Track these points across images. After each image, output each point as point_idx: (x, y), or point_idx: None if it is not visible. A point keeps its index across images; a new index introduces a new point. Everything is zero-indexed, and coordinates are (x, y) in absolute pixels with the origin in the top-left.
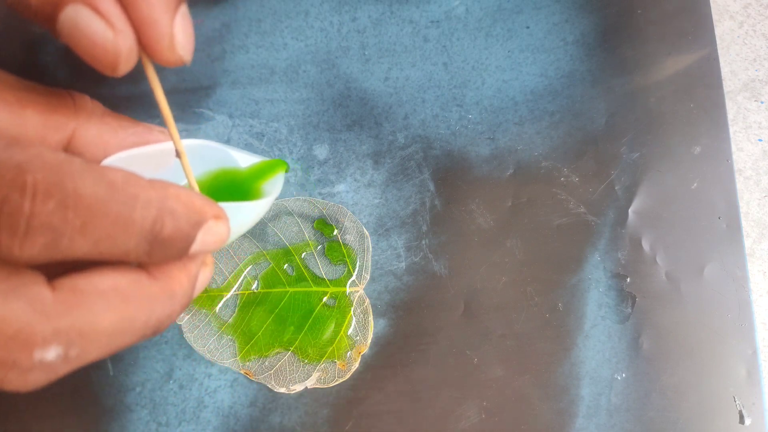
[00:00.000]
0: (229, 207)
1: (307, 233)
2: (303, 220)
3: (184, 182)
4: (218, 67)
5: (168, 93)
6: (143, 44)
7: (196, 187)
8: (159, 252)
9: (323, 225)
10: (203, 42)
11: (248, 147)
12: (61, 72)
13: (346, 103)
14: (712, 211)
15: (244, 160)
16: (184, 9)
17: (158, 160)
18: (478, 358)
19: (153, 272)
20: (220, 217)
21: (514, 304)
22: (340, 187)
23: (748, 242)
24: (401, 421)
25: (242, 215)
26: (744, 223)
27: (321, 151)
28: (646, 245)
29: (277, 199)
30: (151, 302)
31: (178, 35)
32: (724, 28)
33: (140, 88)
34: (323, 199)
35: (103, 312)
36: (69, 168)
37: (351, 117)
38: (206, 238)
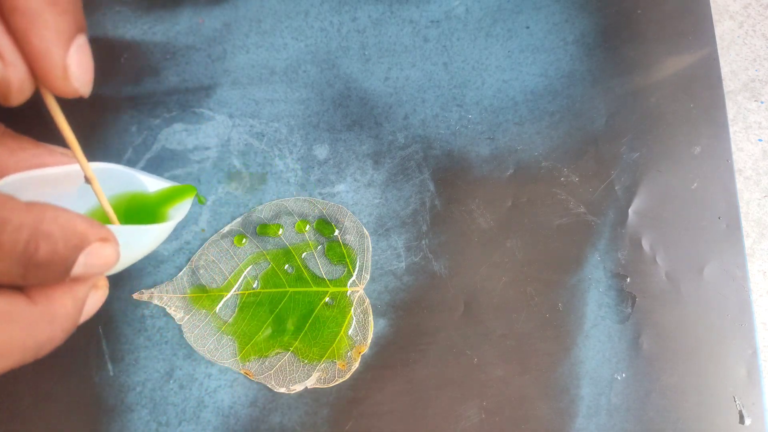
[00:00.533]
0: (125, 230)
1: (307, 233)
2: (303, 220)
3: (89, 207)
4: (218, 67)
5: (168, 93)
6: (37, 75)
7: (110, 211)
8: (34, 275)
9: (323, 225)
10: (203, 42)
11: (248, 147)
12: None
13: (346, 103)
14: (712, 211)
15: (152, 184)
16: (81, 41)
17: (61, 182)
18: (478, 358)
19: (33, 295)
20: (107, 239)
21: (514, 304)
22: (340, 187)
23: (748, 242)
24: (401, 421)
25: (140, 238)
26: (744, 223)
27: (321, 151)
28: (646, 245)
29: (277, 199)
30: (28, 326)
31: (72, 67)
32: (724, 28)
33: (142, 89)
34: (323, 199)
35: None
36: None
37: (351, 117)
38: (90, 260)
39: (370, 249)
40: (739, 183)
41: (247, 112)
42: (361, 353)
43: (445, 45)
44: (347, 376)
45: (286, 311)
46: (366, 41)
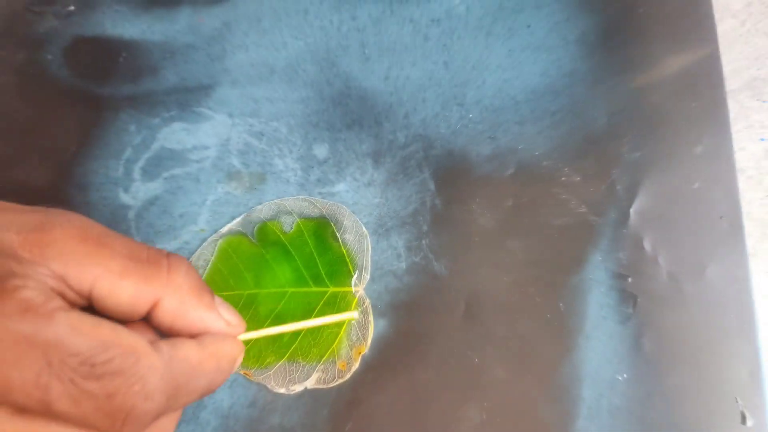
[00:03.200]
0: None
1: (307, 233)
2: (303, 220)
3: None
4: (218, 66)
5: (167, 92)
6: None
7: None
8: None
9: (323, 225)
10: (203, 41)
11: (248, 146)
12: (63, 72)
13: (346, 102)
14: (714, 210)
15: None
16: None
17: None
18: (478, 358)
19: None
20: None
21: (515, 304)
22: (340, 187)
23: (750, 242)
24: (401, 422)
25: None
26: (746, 222)
27: (321, 151)
28: (647, 245)
29: (277, 198)
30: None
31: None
32: (725, 26)
33: (141, 88)
34: (323, 198)
35: None
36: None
37: (351, 116)
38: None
39: (370, 249)
40: (741, 182)
41: (246, 111)
42: (361, 354)
43: (446, 44)
44: (347, 377)
45: (286, 311)
46: (366, 40)
